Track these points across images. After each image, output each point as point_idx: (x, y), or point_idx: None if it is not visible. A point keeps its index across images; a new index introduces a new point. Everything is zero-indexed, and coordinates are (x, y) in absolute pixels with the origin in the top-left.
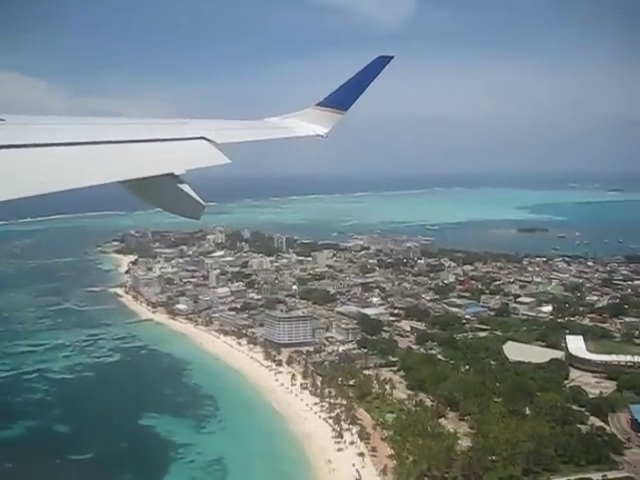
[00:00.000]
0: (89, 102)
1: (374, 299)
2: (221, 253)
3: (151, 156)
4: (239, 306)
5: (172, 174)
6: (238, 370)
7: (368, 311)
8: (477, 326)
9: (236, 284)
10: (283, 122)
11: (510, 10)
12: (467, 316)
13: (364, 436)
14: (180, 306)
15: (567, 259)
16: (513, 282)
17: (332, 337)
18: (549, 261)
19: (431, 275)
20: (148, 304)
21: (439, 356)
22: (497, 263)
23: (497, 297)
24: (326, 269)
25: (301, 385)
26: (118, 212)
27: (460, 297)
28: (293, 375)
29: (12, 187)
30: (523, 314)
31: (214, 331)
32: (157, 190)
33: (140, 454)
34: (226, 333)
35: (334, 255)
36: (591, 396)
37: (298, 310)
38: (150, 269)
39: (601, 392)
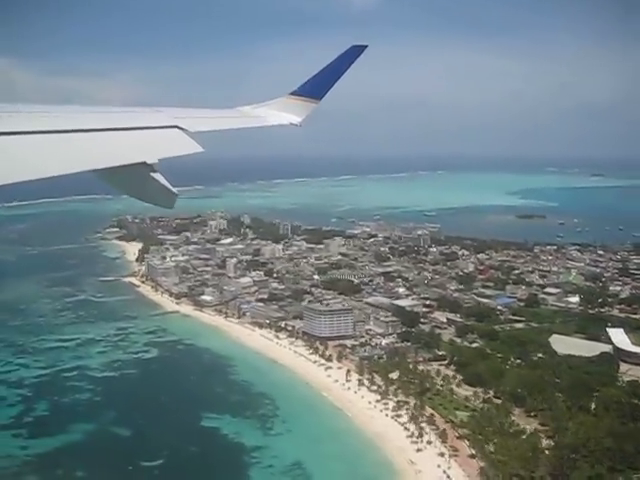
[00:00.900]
0: (59, 82)
1: (400, 289)
2: (230, 240)
3: (124, 145)
4: (266, 297)
5: (145, 163)
6: (284, 366)
7: (400, 302)
8: (511, 317)
9: (253, 273)
10: (256, 111)
11: None
12: (499, 307)
13: (440, 435)
14: (206, 297)
15: (577, 247)
16: (532, 271)
17: (371, 330)
18: (561, 249)
19: (448, 264)
20: (170, 295)
21: (487, 350)
22: (509, 251)
23: (523, 287)
24: (340, 257)
25: (358, 381)
26: (105, 196)
27: (484, 287)
28: (348, 371)
29: None
30: (552, 305)
31: (247, 324)
32: (130, 179)
33: (214, 459)
34: (260, 326)
35: (345, 243)
36: None
37: (326, 301)
38: (164, 258)
39: None
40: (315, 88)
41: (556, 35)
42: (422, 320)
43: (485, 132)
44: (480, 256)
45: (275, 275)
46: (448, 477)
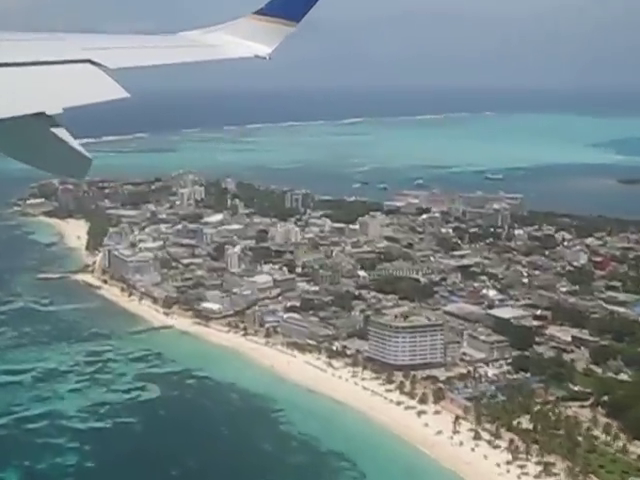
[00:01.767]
0: None
1: (490, 292)
2: (219, 218)
3: (9, 88)
4: (298, 304)
5: (43, 114)
6: (355, 409)
7: (499, 313)
8: None
9: (266, 267)
10: (207, 38)
11: None
12: None
13: None
14: (209, 305)
15: None
16: None
17: (468, 354)
18: None
19: (546, 253)
20: (154, 301)
21: None
22: (626, 234)
23: None
24: (387, 243)
25: (474, 433)
26: None
27: (610, 287)
28: (456, 418)
29: None
30: None
31: (281, 345)
32: (20, 138)
33: None
34: (302, 348)
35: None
36: None
37: (385, 309)
38: (133, 244)
39: None
40: (291, 4)
41: None
42: (537, 339)
43: (541, 55)
44: (589, 241)
45: (300, 270)
46: None
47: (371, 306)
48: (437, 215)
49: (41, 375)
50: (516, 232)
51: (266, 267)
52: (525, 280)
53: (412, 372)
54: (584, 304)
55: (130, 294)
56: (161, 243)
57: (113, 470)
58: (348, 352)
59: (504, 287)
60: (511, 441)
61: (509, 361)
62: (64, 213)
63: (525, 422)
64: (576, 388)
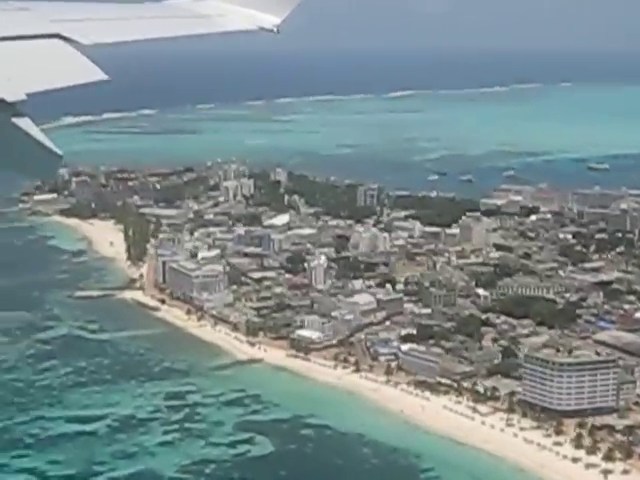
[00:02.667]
0: None
1: None
2: (285, 219)
3: None
4: (412, 331)
5: (3, 101)
6: (522, 468)
7: None
8: None
9: (357, 283)
10: (199, 6)
11: None
12: None
13: None
14: (306, 332)
15: None
16: None
17: None
18: None
19: None
20: (234, 328)
21: None
22: None
23: None
24: (498, 252)
25: None
26: None
27: None
28: None
29: None
30: None
31: (406, 384)
32: None
33: None
34: (434, 389)
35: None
36: None
37: (521, 337)
38: (193, 254)
39: None
40: None
41: None
42: None
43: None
44: None
45: (403, 287)
46: None
47: (503, 334)
48: (548, 216)
49: (118, 424)
50: None
51: (357, 283)
52: None
53: (581, 419)
54: None
55: (200, 317)
56: (218, 252)
57: None
58: (495, 394)
59: None
60: None
61: None
62: (86, 212)
63: None
64: None
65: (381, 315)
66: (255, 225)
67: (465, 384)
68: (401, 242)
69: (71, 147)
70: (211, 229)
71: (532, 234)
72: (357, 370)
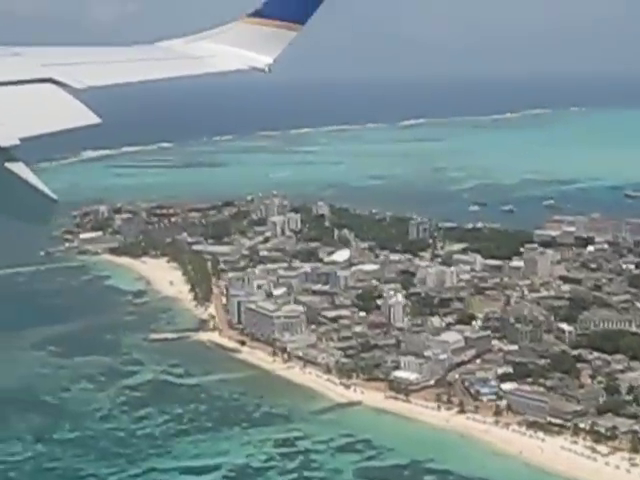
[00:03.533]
0: None
1: None
2: (346, 255)
3: None
4: (508, 369)
5: None
6: None
7: None
8: None
9: (435, 320)
10: (192, 48)
11: None
12: None
13: None
14: (403, 373)
15: None
16: None
17: None
18: None
19: None
20: (326, 370)
21: None
22: None
23: None
24: (568, 285)
25: None
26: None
27: None
28: None
29: None
30: None
31: (517, 425)
32: None
33: None
34: (546, 429)
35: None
36: None
37: (616, 373)
38: (268, 293)
39: None
40: (294, 2)
41: None
42: None
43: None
44: None
45: (483, 324)
46: None
47: (598, 370)
48: (605, 247)
49: (234, 474)
50: None
51: (435, 320)
52: None
53: None
54: None
55: (286, 359)
56: (285, 290)
57: None
58: (609, 434)
59: None
60: None
61: None
62: (135, 250)
63: None
64: None
65: (470, 353)
66: (312, 261)
67: (577, 424)
68: (467, 277)
69: (98, 182)
70: (269, 266)
71: (594, 265)
72: (462, 411)
